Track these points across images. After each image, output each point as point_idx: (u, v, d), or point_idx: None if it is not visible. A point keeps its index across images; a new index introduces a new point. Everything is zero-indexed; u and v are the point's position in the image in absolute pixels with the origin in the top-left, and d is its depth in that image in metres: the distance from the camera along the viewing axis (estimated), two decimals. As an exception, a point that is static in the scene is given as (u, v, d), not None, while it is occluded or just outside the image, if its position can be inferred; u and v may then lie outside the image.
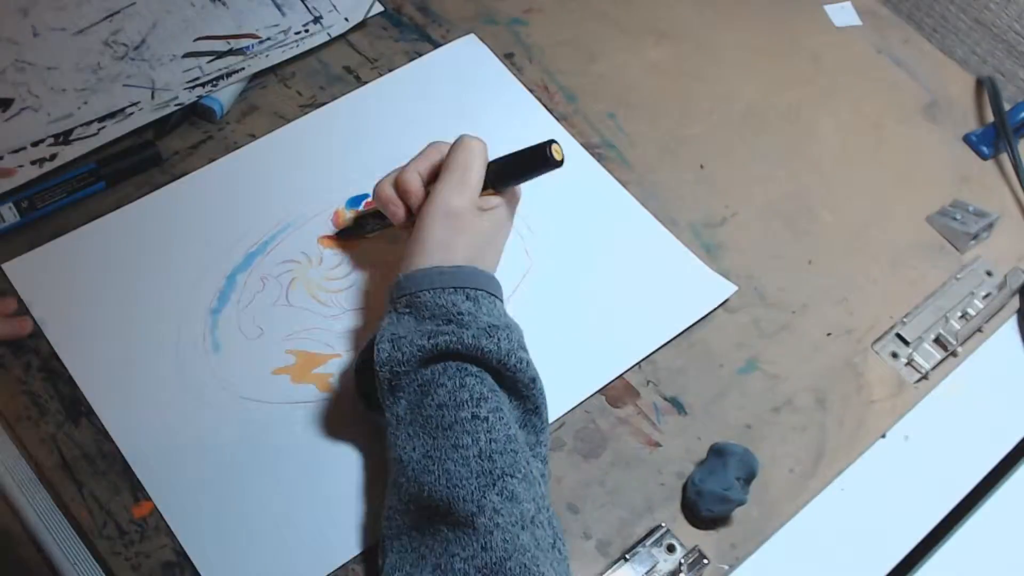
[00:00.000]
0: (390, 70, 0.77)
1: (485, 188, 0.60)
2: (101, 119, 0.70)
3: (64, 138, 0.69)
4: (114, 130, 0.70)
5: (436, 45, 0.79)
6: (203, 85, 0.72)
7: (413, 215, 0.61)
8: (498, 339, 0.53)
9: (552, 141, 0.58)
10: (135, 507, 0.57)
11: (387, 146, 0.73)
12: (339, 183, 0.71)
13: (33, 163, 0.68)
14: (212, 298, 0.65)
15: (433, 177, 0.60)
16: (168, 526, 0.57)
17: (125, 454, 0.59)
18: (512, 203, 0.62)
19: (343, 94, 0.75)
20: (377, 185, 0.62)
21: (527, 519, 0.50)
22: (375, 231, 0.67)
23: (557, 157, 0.58)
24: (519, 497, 0.50)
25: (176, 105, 0.71)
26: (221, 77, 0.73)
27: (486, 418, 0.52)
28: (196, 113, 0.73)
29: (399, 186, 0.61)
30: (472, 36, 0.80)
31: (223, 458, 0.59)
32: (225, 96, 0.73)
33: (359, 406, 0.59)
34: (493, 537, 0.48)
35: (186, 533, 0.56)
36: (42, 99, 0.70)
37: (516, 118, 0.76)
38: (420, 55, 0.78)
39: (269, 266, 0.67)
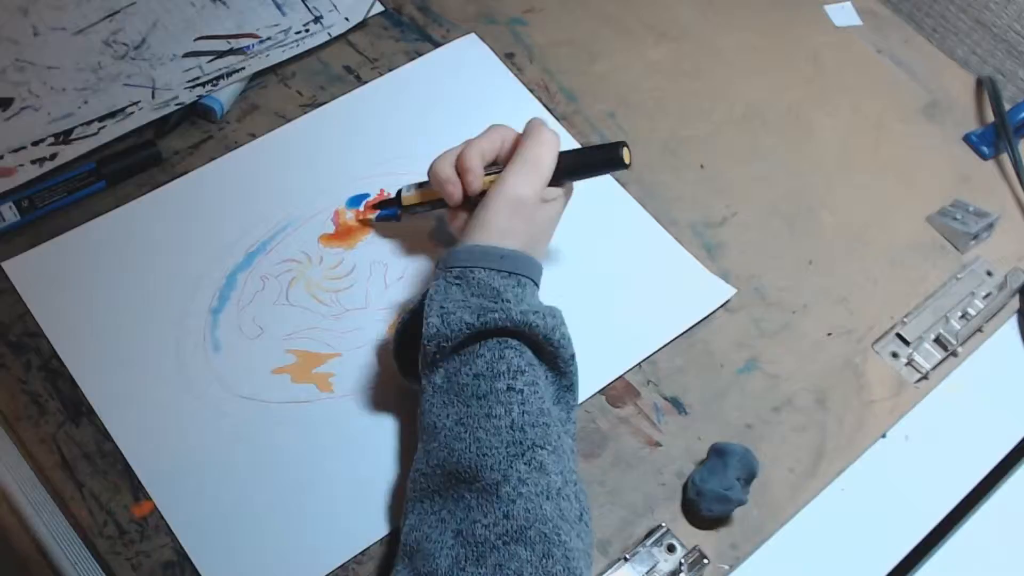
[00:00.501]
0: (390, 70, 0.77)
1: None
2: (101, 118, 0.70)
3: (64, 137, 0.69)
4: (114, 129, 0.70)
5: (436, 45, 0.79)
6: (203, 85, 0.72)
7: (469, 197, 0.61)
8: (543, 314, 0.54)
9: (623, 143, 0.60)
10: (135, 507, 0.57)
11: (388, 146, 0.73)
12: (339, 183, 0.71)
13: (33, 162, 0.68)
14: (212, 298, 0.65)
15: (492, 159, 0.61)
16: (168, 526, 0.57)
17: (125, 454, 0.59)
18: (568, 196, 0.63)
19: (343, 94, 0.75)
20: (435, 163, 0.61)
21: (553, 490, 0.50)
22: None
23: (626, 160, 0.59)
24: (547, 469, 0.51)
25: (176, 104, 0.71)
26: (221, 77, 0.73)
27: (521, 390, 0.52)
28: (196, 113, 0.73)
29: (460, 164, 0.61)
30: (473, 36, 0.80)
31: (223, 458, 0.59)
32: (225, 96, 0.73)
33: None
34: (516, 506, 0.49)
35: (186, 533, 0.56)
36: (42, 98, 0.70)
37: (516, 118, 0.76)
38: (420, 55, 0.78)
39: (269, 265, 0.67)
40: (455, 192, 0.61)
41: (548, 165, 0.59)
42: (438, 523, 0.51)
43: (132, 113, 0.71)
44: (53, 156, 0.68)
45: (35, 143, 0.68)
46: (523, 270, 0.57)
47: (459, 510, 0.50)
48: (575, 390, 0.57)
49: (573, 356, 0.56)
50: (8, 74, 0.71)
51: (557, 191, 0.61)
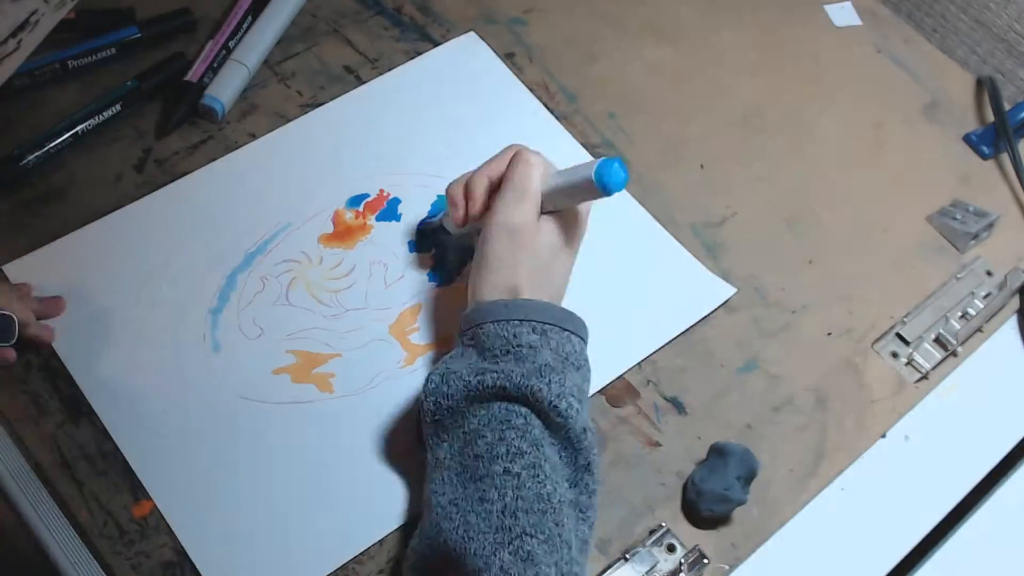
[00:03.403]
0: (390, 70, 0.77)
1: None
2: (14, 34, 0.69)
3: None
4: (33, 38, 0.69)
5: (436, 45, 0.79)
6: None
7: (470, 219, 0.61)
8: (549, 380, 0.52)
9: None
10: (135, 507, 0.57)
11: (387, 145, 0.73)
12: (339, 183, 0.71)
13: None
14: (212, 298, 0.65)
15: (499, 182, 0.60)
16: (168, 526, 0.57)
17: (125, 454, 0.59)
18: (571, 226, 0.60)
19: (343, 94, 0.75)
20: (450, 186, 0.62)
21: None
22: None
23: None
24: (536, 559, 0.48)
25: (72, 0, 0.71)
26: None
27: (518, 474, 0.50)
28: (196, 113, 0.73)
29: (466, 189, 0.61)
30: (472, 34, 0.80)
31: (223, 458, 0.59)
32: (225, 96, 0.73)
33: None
34: None
35: (186, 533, 0.56)
36: None
37: (516, 117, 0.76)
38: (420, 55, 0.78)
39: (269, 266, 0.67)
40: (458, 214, 0.61)
41: (535, 186, 0.57)
42: None
43: (38, 21, 0.70)
44: None
45: None
46: (538, 316, 0.55)
47: None
48: (593, 472, 0.53)
49: (586, 430, 0.52)
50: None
51: (550, 216, 0.59)
